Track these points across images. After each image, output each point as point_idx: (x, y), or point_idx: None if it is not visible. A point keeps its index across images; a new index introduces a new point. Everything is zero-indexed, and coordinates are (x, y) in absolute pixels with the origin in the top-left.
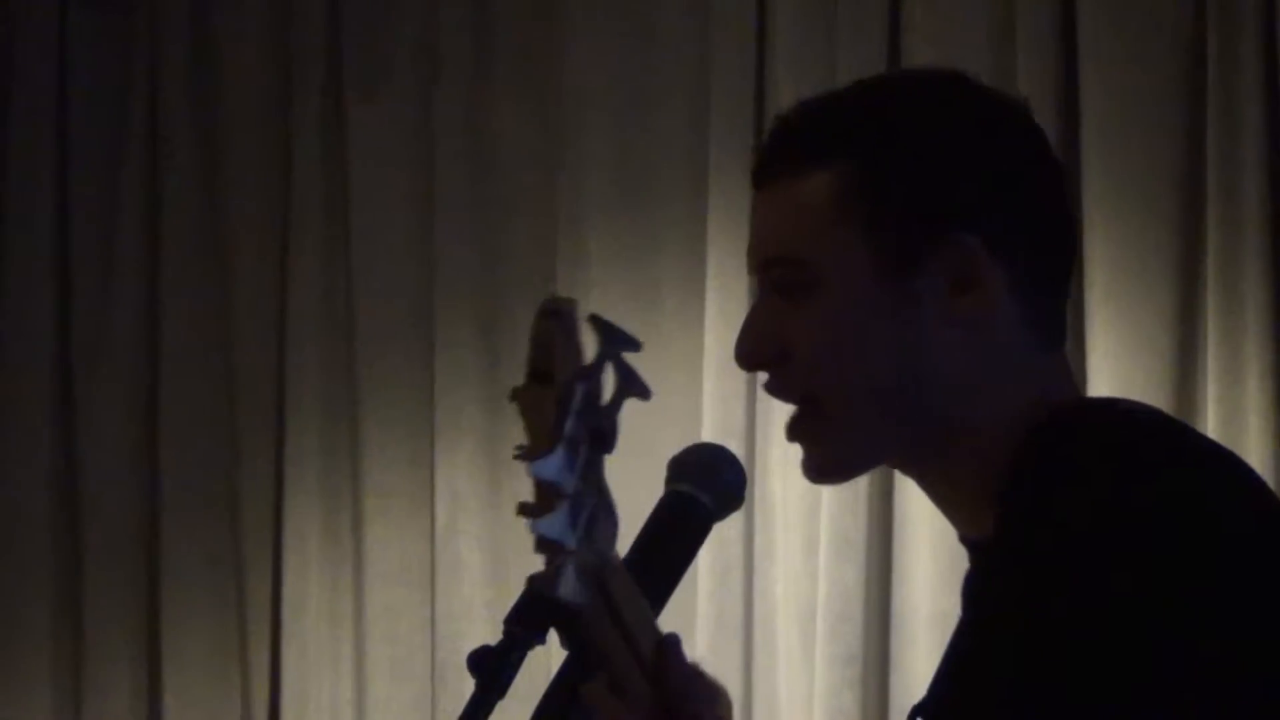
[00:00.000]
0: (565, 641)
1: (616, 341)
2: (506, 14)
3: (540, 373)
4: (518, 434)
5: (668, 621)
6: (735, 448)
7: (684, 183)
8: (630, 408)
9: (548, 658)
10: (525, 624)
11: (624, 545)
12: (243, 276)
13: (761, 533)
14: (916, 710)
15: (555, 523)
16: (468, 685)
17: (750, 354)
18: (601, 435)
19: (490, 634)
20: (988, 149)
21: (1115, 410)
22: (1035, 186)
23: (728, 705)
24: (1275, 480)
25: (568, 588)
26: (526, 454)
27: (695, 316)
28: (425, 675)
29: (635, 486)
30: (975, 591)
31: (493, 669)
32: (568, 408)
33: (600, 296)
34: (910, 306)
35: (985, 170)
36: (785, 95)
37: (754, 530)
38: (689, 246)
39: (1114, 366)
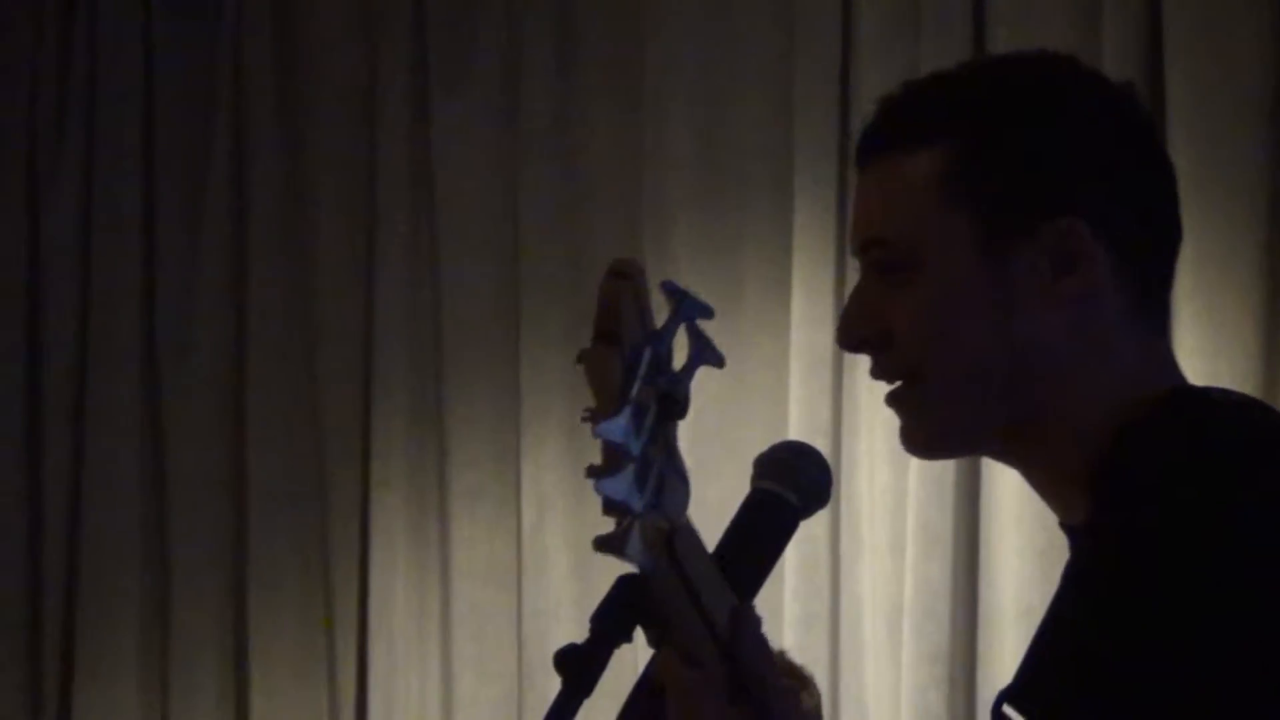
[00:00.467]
0: (652, 639)
1: (689, 307)
2: (590, 9)
3: (607, 334)
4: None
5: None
6: (821, 445)
7: (768, 179)
8: (716, 406)
9: (634, 656)
10: (612, 622)
11: (710, 543)
12: (328, 277)
13: (847, 530)
14: (1003, 696)
15: (620, 484)
16: (554, 684)
17: (852, 335)
18: (673, 401)
19: (577, 632)
20: (1095, 132)
21: (1216, 401)
22: (1141, 172)
23: (816, 695)
24: None
25: (633, 549)
26: (592, 415)
27: (780, 314)
28: (512, 674)
29: (722, 484)
30: (1068, 579)
31: (579, 668)
32: (635, 370)
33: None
34: (1012, 287)
35: (1092, 153)
36: (870, 89)
37: (840, 528)
38: (774, 244)
39: (1200, 364)
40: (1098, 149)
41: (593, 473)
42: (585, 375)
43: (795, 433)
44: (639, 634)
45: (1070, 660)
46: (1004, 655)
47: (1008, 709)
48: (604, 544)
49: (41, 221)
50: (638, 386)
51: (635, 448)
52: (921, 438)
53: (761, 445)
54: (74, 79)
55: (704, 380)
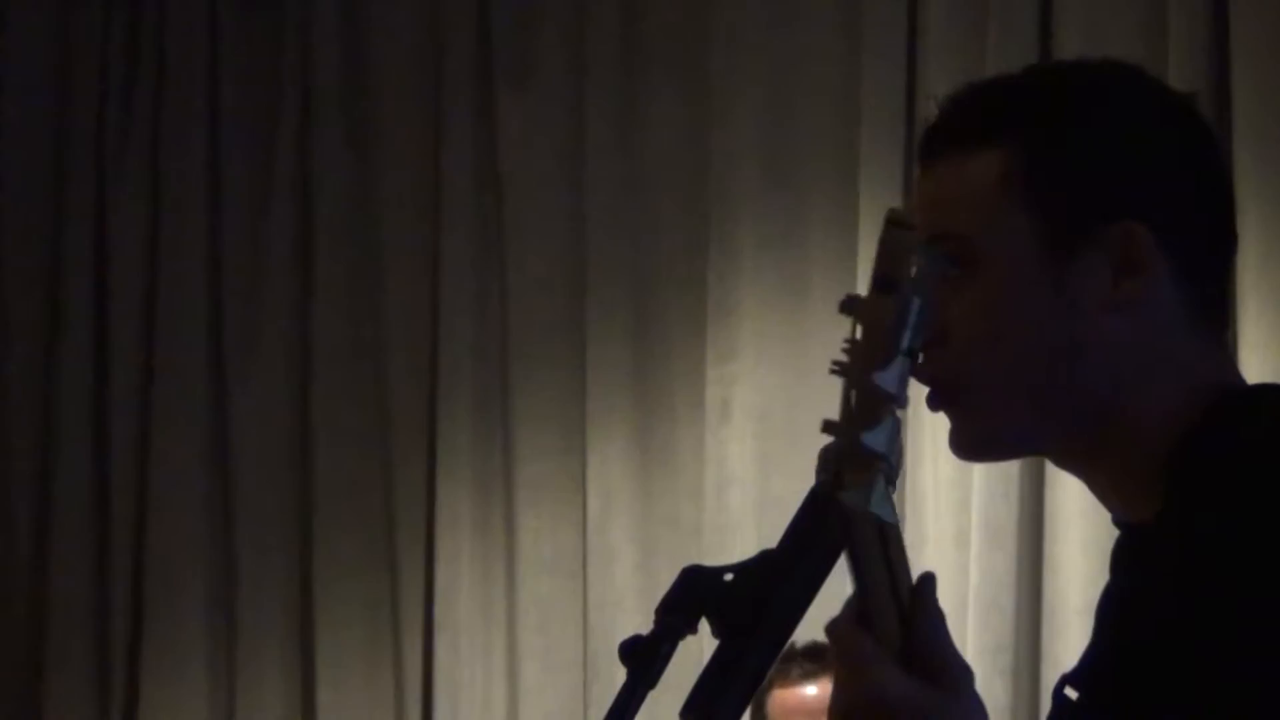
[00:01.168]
0: (716, 630)
1: (936, 260)
2: (655, 5)
3: (884, 281)
4: (670, 426)
5: (822, 612)
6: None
7: (833, 172)
8: (781, 399)
9: (699, 648)
10: (677, 613)
11: (777, 537)
12: (395, 275)
13: (912, 522)
14: (1066, 679)
15: (881, 435)
16: (620, 674)
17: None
18: (915, 356)
19: (642, 623)
20: (1156, 139)
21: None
22: (1199, 177)
23: (970, 671)
24: None
25: (879, 502)
26: (860, 363)
27: None
28: (578, 664)
29: (786, 477)
30: (1138, 570)
31: (644, 659)
32: (906, 319)
33: (750, 287)
34: (1071, 290)
35: (1153, 159)
36: (936, 86)
37: (904, 521)
38: (839, 236)
39: (1264, 358)
40: (1159, 156)
41: (845, 424)
42: (856, 321)
43: None
44: (703, 626)
45: (1149, 651)
46: (1068, 647)
47: (1068, 690)
48: (853, 495)
49: (109, 223)
50: (908, 336)
51: (901, 400)
52: (968, 438)
53: (825, 440)
54: (141, 82)
55: (768, 374)
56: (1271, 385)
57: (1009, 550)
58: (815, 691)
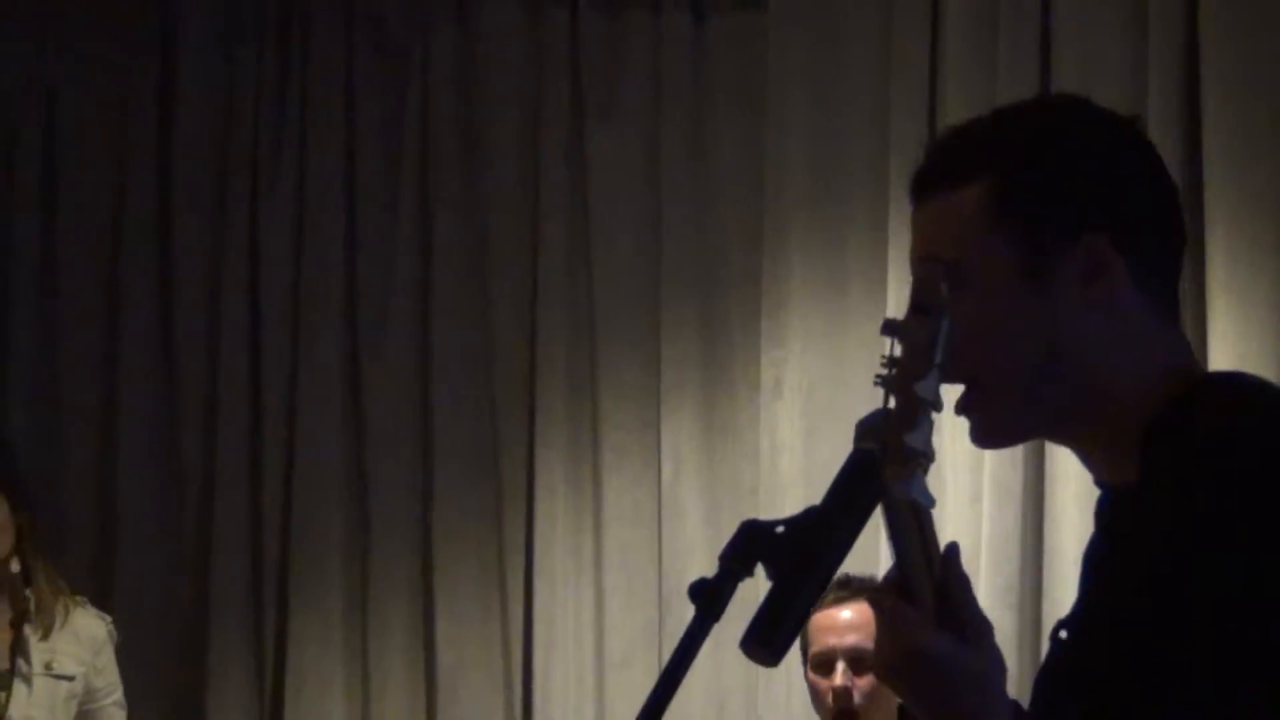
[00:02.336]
0: (771, 574)
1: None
2: (721, 49)
3: (921, 306)
4: (730, 401)
5: (857, 561)
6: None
7: (868, 189)
8: (824, 382)
9: (756, 589)
10: (737, 559)
11: (821, 494)
12: (500, 270)
13: (932, 483)
14: (1061, 625)
15: (920, 436)
16: (689, 611)
17: None
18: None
19: (708, 568)
20: (1108, 161)
21: (1243, 384)
22: (1148, 190)
23: (990, 626)
24: None
25: (919, 490)
26: (904, 375)
27: (878, 303)
28: (654, 603)
29: (830, 445)
30: (1119, 526)
31: (710, 598)
32: (938, 338)
33: (799, 288)
34: (1049, 297)
35: (1107, 179)
36: (953, 116)
37: (931, 477)
38: (872, 243)
39: (1231, 346)
40: (1112, 175)
41: (894, 424)
42: (899, 340)
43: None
44: (759, 570)
45: (1131, 597)
46: (1066, 587)
47: (1063, 634)
48: (895, 485)
49: (261, 232)
50: (940, 351)
51: (937, 405)
52: (984, 431)
53: (861, 413)
54: (288, 119)
55: (814, 358)
56: (1228, 372)
57: (1015, 506)
58: (847, 614)
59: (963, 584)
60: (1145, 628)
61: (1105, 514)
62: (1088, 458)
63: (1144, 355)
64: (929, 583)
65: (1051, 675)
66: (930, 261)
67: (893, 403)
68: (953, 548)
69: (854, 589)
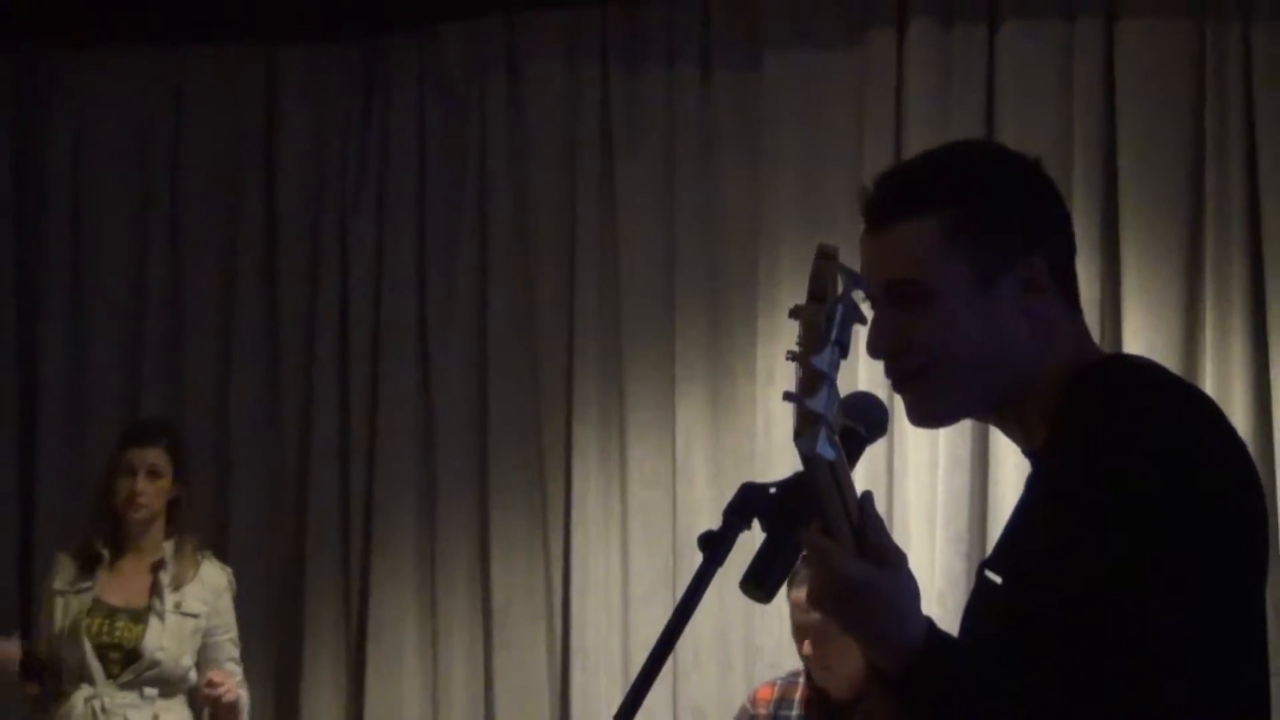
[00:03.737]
0: (765, 526)
1: (855, 281)
2: (723, 97)
3: (817, 296)
4: (732, 385)
5: None
6: (881, 394)
7: (844, 215)
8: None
9: (753, 539)
10: (737, 515)
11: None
12: (543, 279)
13: (898, 453)
14: (984, 564)
15: (819, 400)
16: (698, 558)
17: (885, 348)
18: (842, 345)
19: (713, 522)
20: (1033, 194)
21: (1128, 363)
22: (1057, 214)
23: (904, 555)
24: (1256, 413)
25: (823, 445)
26: (804, 351)
27: None
28: (669, 551)
29: None
30: (1034, 484)
31: (715, 546)
32: (833, 320)
33: (789, 295)
34: (995, 304)
35: (1034, 208)
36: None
37: (893, 451)
38: (848, 261)
39: (1140, 336)
40: (1037, 205)
41: (798, 394)
42: (800, 324)
43: (863, 386)
44: (755, 524)
45: (1038, 536)
46: None
47: (987, 572)
48: (802, 440)
49: (349, 245)
50: (835, 331)
51: (832, 375)
52: (928, 414)
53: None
54: (371, 149)
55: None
56: (1119, 354)
57: (965, 472)
58: (799, 595)
59: (876, 524)
60: (1052, 547)
61: (1030, 481)
62: (1013, 431)
63: (1060, 347)
64: (847, 525)
65: (974, 605)
66: (898, 284)
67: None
68: (867, 495)
69: None
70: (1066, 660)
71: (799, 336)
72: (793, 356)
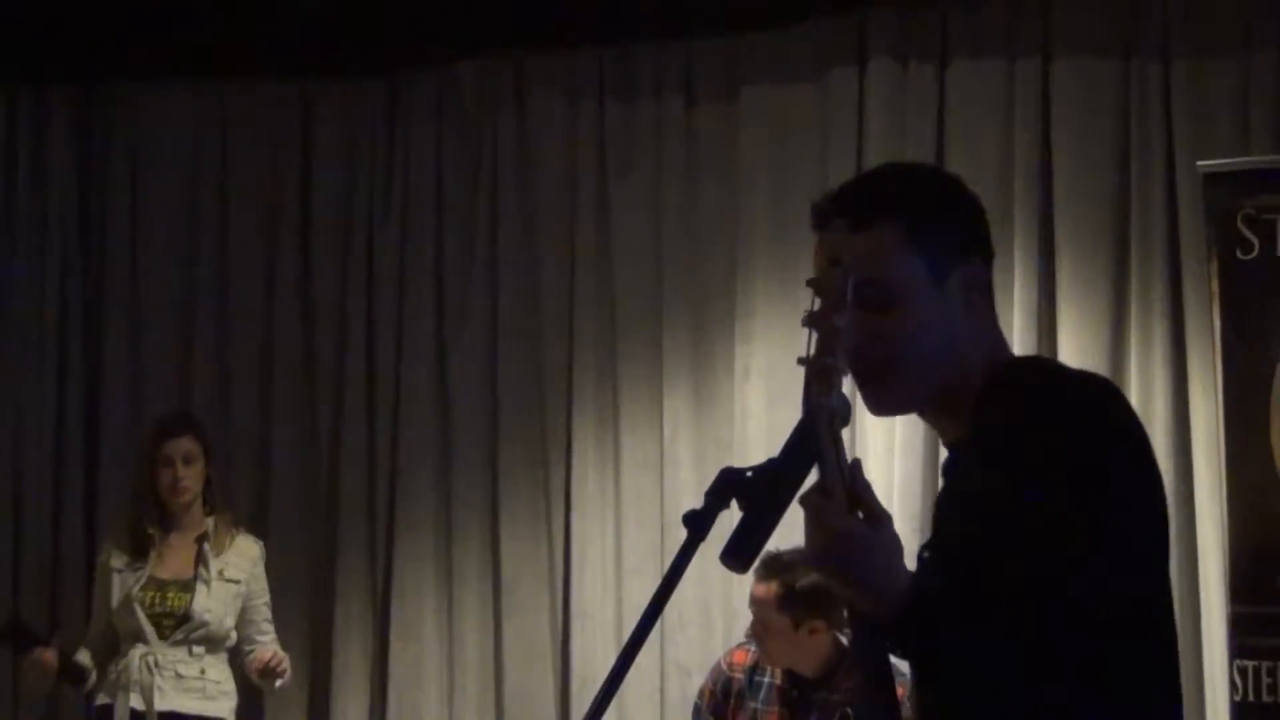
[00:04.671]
0: (741, 505)
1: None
2: (704, 126)
3: (835, 261)
4: (714, 383)
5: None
6: (846, 390)
7: (812, 234)
8: (782, 366)
9: (731, 518)
10: (716, 496)
11: (777, 450)
12: (546, 285)
13: (859, 440)
14: (924, 547)
15: (840, 360)
16: (683, 534)
17: (856, 345)
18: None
19: (696, 502)
20: (967, 205)
21: (1044, 361)
22: (983, 224)
23: (890, 517)
24: (1175, 401)
25: (837, 398)
26: (823, 313)
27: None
28: (657, 528)
29: (785, 412)
30: (959, 470)
31: (698, 524)
32: (849, 282)
33: (763, 303)
34: (948, 305)
35: (970, 218)
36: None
37: (854, 438)
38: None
39: (1073, 339)
40: (970, 216)
41: (821, 355)
42: (816, 291)
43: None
44: (734, 504)
45: (974, 510)
46: None
47: (925, 554)
48: (818, 396)
49: (375, 256)
50: (850, 312)
51: (848, 341)
52: (883, 404)
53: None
54: (395, 177)
55: (774, 353)
56: (1029, 355)
57: (918, 457)
58: (753, 588)
59: (864, 486)
60: (992, 506)
61: (949, 466)
62: (939, 422)
63: (988, 346)
64: (842, 485)
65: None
66: (866, 284)
67: (814, 347)
68: (856, 461)
69: (773, 570)
70: (1031, 580)
71: (814, 303)
72: (810, 319)
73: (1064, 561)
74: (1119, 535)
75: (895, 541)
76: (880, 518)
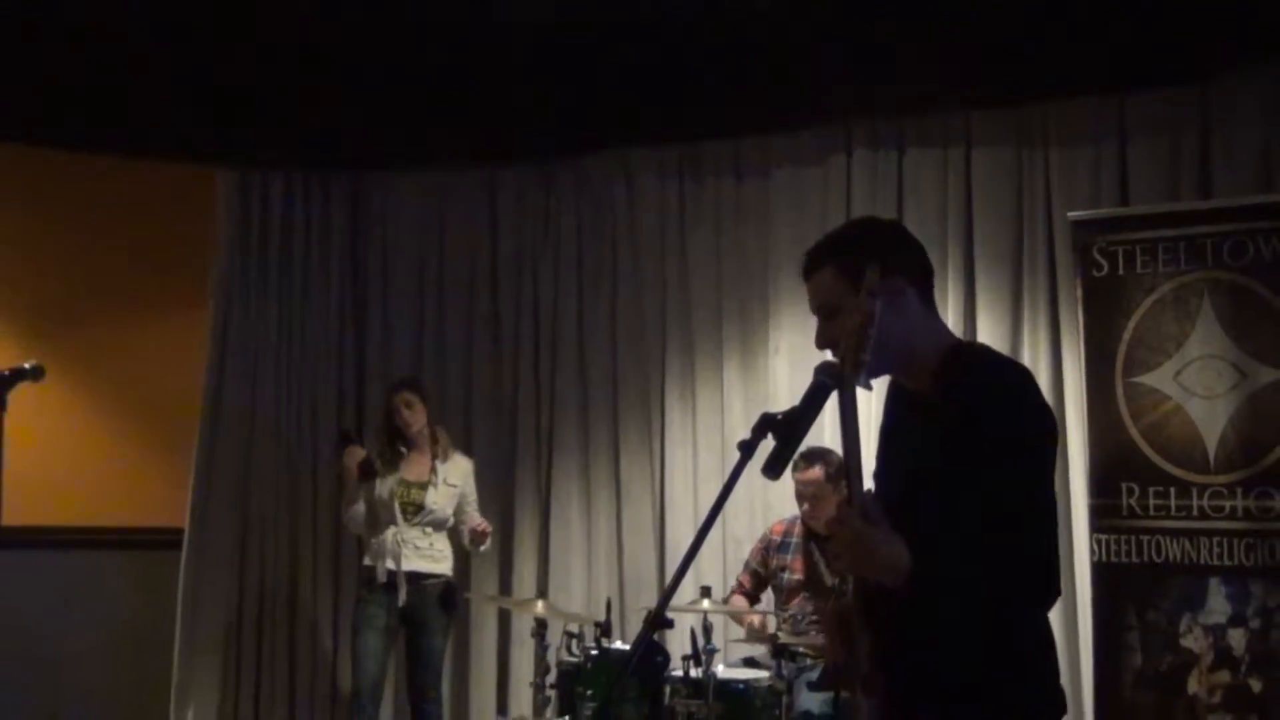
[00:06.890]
0: (774, 436)
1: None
2: (749, 194)
3: (871, 294)
4: (754, 357)
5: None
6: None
7: None
8: (801, 348)
9: (766, 445)
10: (759, 429)
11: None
12: (647, 307)
13: (833, 411)
14: (878, 472)
15: (867, 354)
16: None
17: (827, 343)
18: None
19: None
20: (892, 240)
21: (980, 345)
22: (915, 251)
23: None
24: (1053, 368)
25: (863, 378)
26: (864, 330)
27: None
28: (720, 452)
29: (803, 380)
30: (924, 416)
31: (746, 449)
32: (870, 332)
33: (788, 304)
34: (884, 308)
35: (894, 249)
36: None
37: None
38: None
39: (987, 330)
40: (893, 247)
41: (854, 346)
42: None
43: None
44: (769, 436)
45: (939, 461)
46: None
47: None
48: (849, 377)
49: (540, 293)
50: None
51: (872, 333)
52: (857, 374)
53: (816, 361)
54: (546, 235)
55: (796, 336)
56: (971, 340)
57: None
58: (801, 475)
59: (870, 501)
60: (957, 461)
61: (902, 402)
62: (907, 379)
63: (930, 334)
64: (858, 467)
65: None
66: (822, 307)
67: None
68: (870, 493)
69: (812, 460)
70: (1011, 515)
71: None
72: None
73: (1033, 479)
74: (1050, 463)
75: (889, 533)
76: (877, 518)
